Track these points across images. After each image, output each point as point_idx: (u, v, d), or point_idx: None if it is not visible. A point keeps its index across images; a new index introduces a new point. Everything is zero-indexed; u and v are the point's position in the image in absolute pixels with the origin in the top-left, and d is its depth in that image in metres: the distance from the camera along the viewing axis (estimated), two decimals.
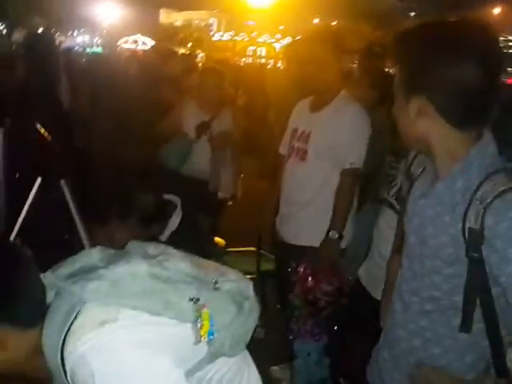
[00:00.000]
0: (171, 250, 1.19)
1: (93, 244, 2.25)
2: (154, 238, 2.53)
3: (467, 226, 1.20)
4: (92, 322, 0.98)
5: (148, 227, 2.52)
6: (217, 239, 4.57)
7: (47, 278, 1.07)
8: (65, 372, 0.98)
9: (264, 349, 2.93)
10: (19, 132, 2.28)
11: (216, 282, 1.11)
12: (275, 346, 2.99)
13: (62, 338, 0.98)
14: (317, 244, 2.47)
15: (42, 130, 2.15)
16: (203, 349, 1.05)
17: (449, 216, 1.24)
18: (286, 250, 2.63)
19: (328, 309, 2.40)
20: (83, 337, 0.96)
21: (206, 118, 3.64)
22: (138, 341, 0.98)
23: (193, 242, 2.54)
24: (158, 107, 4.02)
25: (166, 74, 5.32)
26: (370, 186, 2.69)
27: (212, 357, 1.08)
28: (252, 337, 1.13)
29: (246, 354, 1.21)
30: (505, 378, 1.28)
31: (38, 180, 2.16)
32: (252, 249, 3.40)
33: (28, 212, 2.16)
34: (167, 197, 2.65)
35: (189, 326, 1.02)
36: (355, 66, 3.69)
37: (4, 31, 18.91)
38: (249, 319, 1.11)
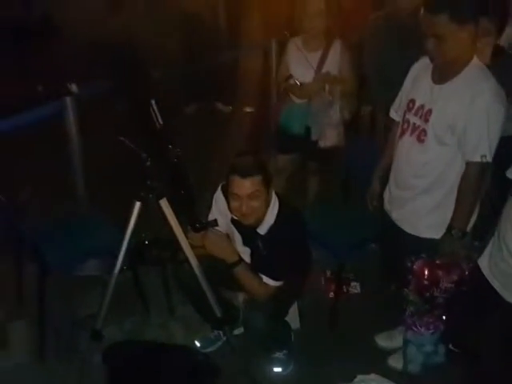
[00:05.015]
0: None
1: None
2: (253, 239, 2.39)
3: None
4: None
5: None
6: None
7: None
8: None
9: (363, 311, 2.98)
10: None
11: None
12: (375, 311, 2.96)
13: None
14: (436, 236, 2.23)
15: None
16: None
17: None
18: (398, 235, 2.39)
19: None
20: None
21: (311, 59, 3.26)
22: None
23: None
24: None
25: None
26: None
27: None
28: None
29: None
30: None
31: (137, 204, 1.98)
32: None
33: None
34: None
35: None
36: None
37: None
38: None
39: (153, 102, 1.78)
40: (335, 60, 3.27)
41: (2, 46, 5.04)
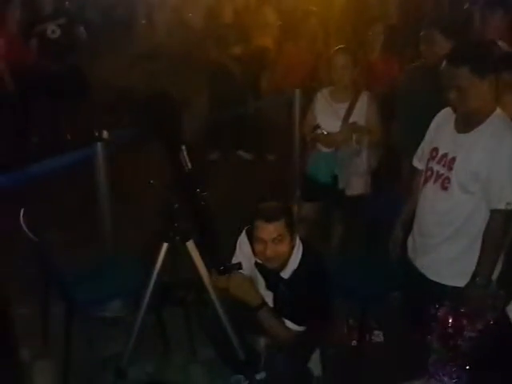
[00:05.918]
0: None
1: None
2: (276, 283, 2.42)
3: None
4: None
5: None
6: None
7: None
8: None
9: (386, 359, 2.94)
10: None
11: None
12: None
13: None
14: (460, 284, 2.23)
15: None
16: None
17: None
18: (422, 283, 2.39)
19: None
20: None
21: (339, 110, 3.36)
22: None
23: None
24: None
25: None
26: None
27: None
28: None
29: None
30: None
31: (165, 245, 2.04)
32: None
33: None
34: None
35: None
36: None
37: None
38: None
39: (183, 147, 1.87)
40: (362, 111, 3.35)
41: (36, 96, 5.27)
